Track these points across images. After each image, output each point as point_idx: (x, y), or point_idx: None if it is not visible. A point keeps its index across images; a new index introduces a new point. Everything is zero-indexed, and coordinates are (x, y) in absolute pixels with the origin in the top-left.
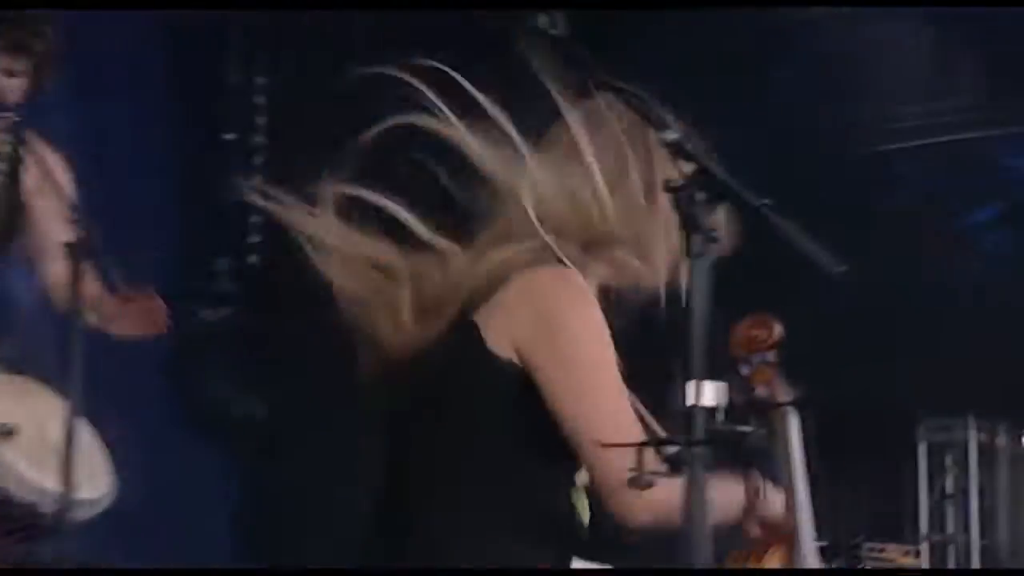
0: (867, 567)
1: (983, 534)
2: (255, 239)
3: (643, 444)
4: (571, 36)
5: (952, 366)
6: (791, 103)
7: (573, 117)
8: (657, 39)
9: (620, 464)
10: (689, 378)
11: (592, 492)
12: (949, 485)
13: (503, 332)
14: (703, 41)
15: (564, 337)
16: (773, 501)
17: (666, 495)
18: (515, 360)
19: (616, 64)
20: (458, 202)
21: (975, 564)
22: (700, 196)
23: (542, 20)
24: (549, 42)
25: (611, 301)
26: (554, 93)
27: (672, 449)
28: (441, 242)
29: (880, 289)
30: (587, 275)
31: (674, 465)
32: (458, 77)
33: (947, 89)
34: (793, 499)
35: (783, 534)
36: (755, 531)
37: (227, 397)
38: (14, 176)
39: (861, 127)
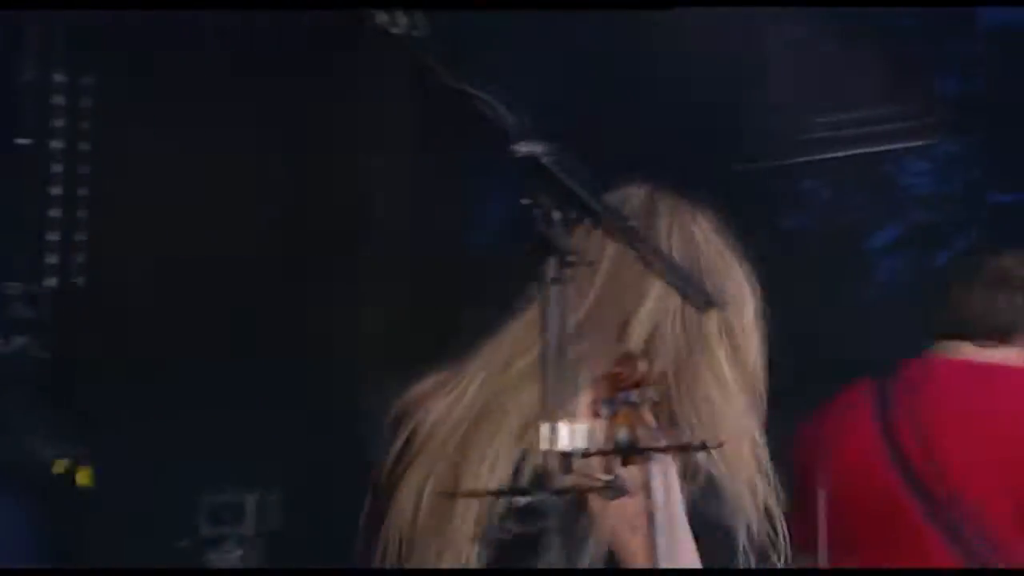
0: None
1: None
2: (53, 260)
3: (492, 493)
4: (423, 37)
5: None
6: (679, 107)
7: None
8: (530, 40)
9: None
10: (543, 419)
11: None
12: None
13: None
14: (585, 41)
15: None
16: None
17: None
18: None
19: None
20: None
21: None
22: (556, 215)
23: (382, 18)
24: (395, 42)
25: None
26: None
27: (524, 500)
28: None
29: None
30: None
31: (526, 517)
32: None
33: (850, 100)
34: (654, 553)
35: None
36: None
37: (21, 436)
38: None
39: (760, 137)
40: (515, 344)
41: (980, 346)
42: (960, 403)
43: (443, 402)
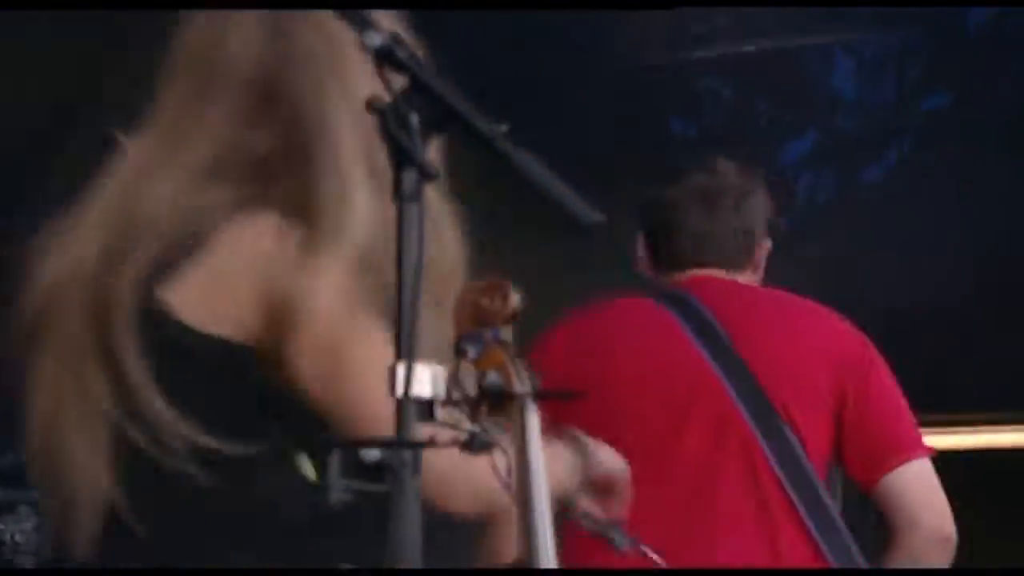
0: None
1: None
2: None
3: (337, 445)
4: None
5: None
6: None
7: None
8: None
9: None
10: (399, 360)
11: None
12: None
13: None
14: None
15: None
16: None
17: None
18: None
19: None
20: None
21: None
22: (414, 120)
23: None
24: None
25: None
26: None
27: (374, 453)
28: None
29: None
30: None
31: (377, 471)
32: None
33: None
34: (529, 514)
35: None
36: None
37: None
38: None
39: (650, 30)
40: (137, 172)
41: (728, 271)
42: (770, 316)
43: (65, 259)
